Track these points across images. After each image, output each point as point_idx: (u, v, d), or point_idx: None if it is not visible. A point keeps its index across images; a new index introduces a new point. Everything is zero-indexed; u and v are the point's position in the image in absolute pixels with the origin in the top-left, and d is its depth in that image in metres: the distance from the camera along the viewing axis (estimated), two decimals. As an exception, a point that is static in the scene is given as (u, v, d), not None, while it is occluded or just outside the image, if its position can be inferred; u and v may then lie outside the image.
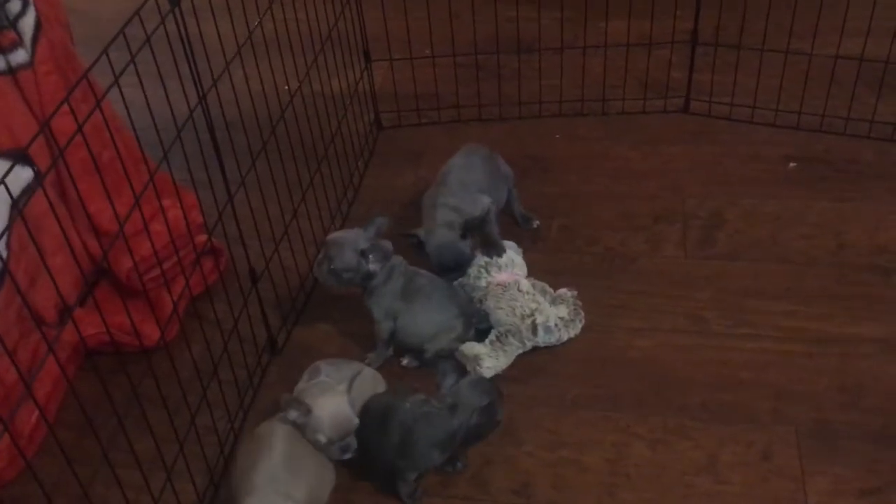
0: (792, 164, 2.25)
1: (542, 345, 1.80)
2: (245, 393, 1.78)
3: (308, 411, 1.51)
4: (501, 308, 1.77)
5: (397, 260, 1.80)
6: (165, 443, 1.48)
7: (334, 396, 1.53)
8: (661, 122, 2.44)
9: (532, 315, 1.76)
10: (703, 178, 2.23)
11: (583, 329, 1.84)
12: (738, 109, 2.38)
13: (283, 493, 1.44)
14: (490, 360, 1.75)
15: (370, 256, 1.75)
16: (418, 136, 2.50)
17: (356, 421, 1.54)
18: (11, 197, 1.11)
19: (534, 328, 1.76)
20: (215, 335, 1.73)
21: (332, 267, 1.75)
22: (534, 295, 1.81)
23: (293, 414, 1.52)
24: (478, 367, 1.74)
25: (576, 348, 1.83)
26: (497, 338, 1.77)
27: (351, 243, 1.75)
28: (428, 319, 1.79)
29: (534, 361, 1.81)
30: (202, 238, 1.92)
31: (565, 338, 1.81)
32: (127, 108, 1.35)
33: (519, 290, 1.80)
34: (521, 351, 1.79)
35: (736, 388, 1.72)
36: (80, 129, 1.25)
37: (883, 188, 2.15)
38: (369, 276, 1.77)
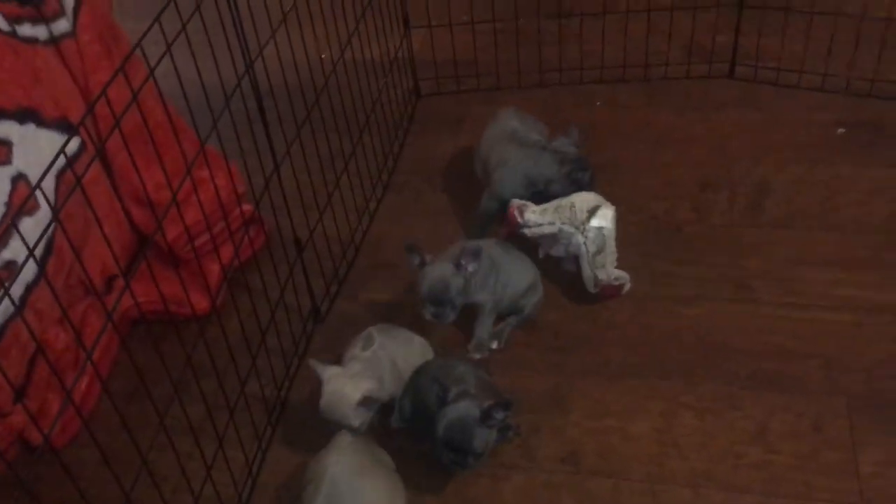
0: (840, 130, 2.20)
1: (585, 244, 1.77)
2: (290, 361, 1.79)
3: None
4: (580, 197, 1.83)
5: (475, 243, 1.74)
6: (213, 409, 1.49)
7: (348, 382, 1.56)
8: (705, 88, 2.39)
9: (599, 207, 1.78)
10: (750, 145, 2.19)
11: (629, 298, 1.83)
12: (784, 74, 2.33)
13: None
14: (535, 215, 1.83)
15: (461, 263, 1.68)
16: (457, 104, 2.47)
17: (352, 400, 1.54)
18: (74, 174, 1.11)
19: (592, 213, 1.77)
20: (258, 304, 1.73)
21: (454, 306, 1.68)
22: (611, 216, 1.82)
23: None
24: (517, 212, 1.84)
25: (621, 317, 1.81)
26: (553, 207, 1.84)
27: (444, 274, 1.68)
28: (521, 273, 1.80)
29: (579, 330, 1.80)
30: (246, 207, 1.92)
31: (613, 275, 1.81)
32: (179, 76, 1.34)
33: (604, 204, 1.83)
34: (564, 226, 1.79)
35: (785, 358, 1.70)
36: (134, 98, 1.25)
37: (935, 154, 2.10)
38: (474, 275, 1.71)
